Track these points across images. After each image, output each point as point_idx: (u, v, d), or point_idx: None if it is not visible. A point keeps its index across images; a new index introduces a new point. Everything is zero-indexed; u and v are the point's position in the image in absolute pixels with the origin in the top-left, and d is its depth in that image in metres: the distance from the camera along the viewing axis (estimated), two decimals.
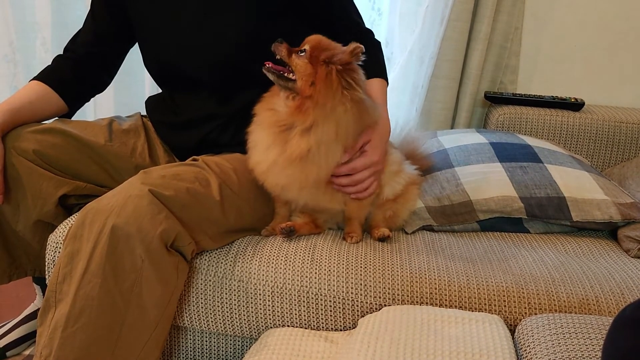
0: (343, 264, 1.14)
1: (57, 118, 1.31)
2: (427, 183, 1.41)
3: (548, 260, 1.21)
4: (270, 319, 1.13)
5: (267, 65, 1.09)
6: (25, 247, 1.29)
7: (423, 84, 1.90)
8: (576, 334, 0.92)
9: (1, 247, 1.28)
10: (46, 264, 1.15)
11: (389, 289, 1.11)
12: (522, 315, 1.08)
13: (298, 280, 1.12)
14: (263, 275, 1.12)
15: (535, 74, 1.97)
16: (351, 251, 1.18)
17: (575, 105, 1.81)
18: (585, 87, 1.93)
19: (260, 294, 1.12)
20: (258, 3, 1.23)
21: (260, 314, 1.13)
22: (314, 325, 1.12)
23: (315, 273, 1.12)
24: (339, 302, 1.11)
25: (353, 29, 1.30)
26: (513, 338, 1.00)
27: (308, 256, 1.15)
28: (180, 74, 1.30)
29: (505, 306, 1.09)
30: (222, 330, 1.16)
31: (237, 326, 1.15)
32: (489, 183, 1.37)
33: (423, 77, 1.90)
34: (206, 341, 1.22)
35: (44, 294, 1.21)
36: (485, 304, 1.09)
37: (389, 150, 1.25)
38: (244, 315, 1.13)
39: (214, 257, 1.15)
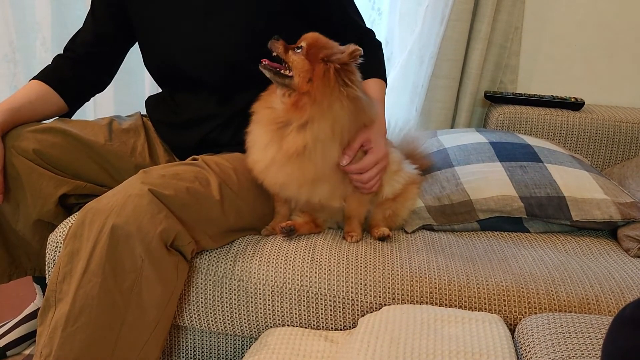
0: (343, 264, 1.14)
1: (57, 117, 1.31)
2: (427, 182, 1.41)
3: (548, 259, 1.21)
4: (270, 318, 1.13)
5: (264, 62, 1.09)
6: (25, 246, 1.29)
7: (423, 83, 1.90)
8: (576, 333, 0.92)
9: (1, 246, 1.28)
10: (46, 263, 1.15)
11: (389, 288, 1.11)
12: (522, 315, 1.08)
13: (298, 280, 1.12)
14: (263, 274, 1.12)
15: (535, 74, 1.97)
16: (351, 250, 1.18)
17: (575, 105, 1.81)
18: (585, 87, 1.93)
19: (260, 294, 1.12)
20: (258, 3, 1.23)
21: (260, 313, 1.13)
22: (314, 325, 1.12)
23: (315, 272, 1.12)
24: (339, 302, 1.11)
25: (353, 29, 1.30)
26: (513, 337, 1.00)
27: (308, 255, 1.15)
28: (180, 74, 1.30)
29: (505, 305, 1.09)
30: (222, 330, 1.16)
31: (237, 325, 1.15)
32: (489, 182, 1.37)
33: (423, 77, 1.90)
34: (206, 340, 1.22)
35: (44, 294, 1.21)
36: (485, 304, 1.09)
37: (388, 150, 1.25)
38: (244, 314, 1.13)
39: (214, 256, 1.15)
